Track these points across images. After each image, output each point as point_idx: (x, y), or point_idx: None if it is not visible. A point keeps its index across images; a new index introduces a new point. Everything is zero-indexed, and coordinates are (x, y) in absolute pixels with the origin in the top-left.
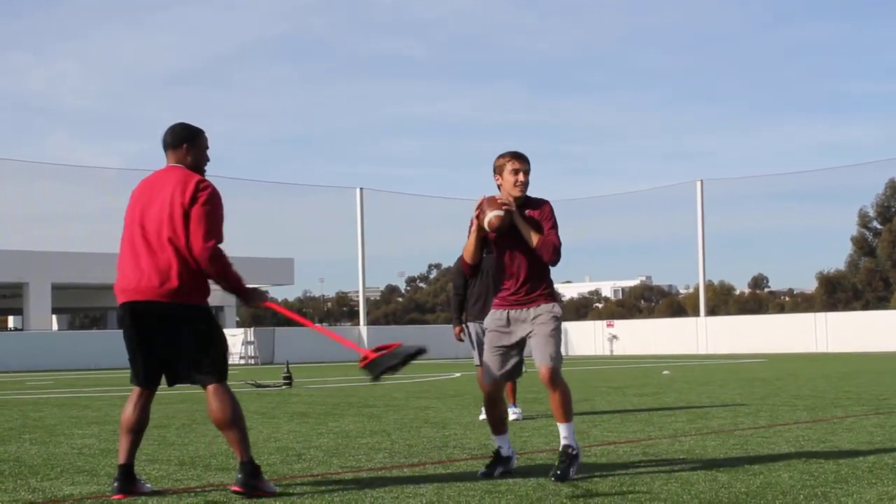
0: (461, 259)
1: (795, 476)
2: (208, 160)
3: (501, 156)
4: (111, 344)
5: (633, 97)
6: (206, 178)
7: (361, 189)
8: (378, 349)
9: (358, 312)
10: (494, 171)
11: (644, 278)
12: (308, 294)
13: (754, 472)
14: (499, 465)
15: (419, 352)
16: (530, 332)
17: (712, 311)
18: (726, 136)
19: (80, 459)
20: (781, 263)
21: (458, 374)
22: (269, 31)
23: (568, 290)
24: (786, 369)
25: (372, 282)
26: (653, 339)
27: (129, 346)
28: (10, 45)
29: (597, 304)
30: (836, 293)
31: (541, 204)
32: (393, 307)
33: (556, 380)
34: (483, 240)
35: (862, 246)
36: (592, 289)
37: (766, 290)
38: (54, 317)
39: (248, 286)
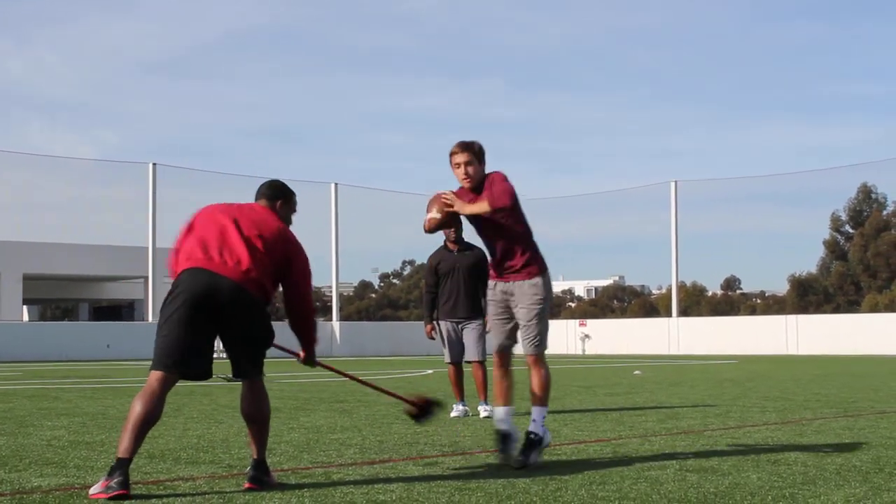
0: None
1: (764, 477)
2: (291, 223)
3: (451, 148)
4: (82, 336)
5: (612, 96)
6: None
7: (336, 184)
8: (420, 402)
9: (331, 308)
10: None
11: (617, 278)
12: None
13: (723, 472)
14: (508, 443)
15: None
16: (517, 314)
17: (684, 311)
18: (703, 136)
19: (48, 451)
20: (753, 265)
21: (430, 371)
22: (249, 21)
23: None
24: (756, 371)
25: (345, 277)
26: (625, 339)
27: (184, 325)
28: None
29: (569, 304)
30: (807, 296)
31: (490, 177)
32: (366, 303)
33: (534, 365)
34: (476, 220)
35: (834, 250)
36: (565, 288)
37: (738, 291)
38: (25, 307)
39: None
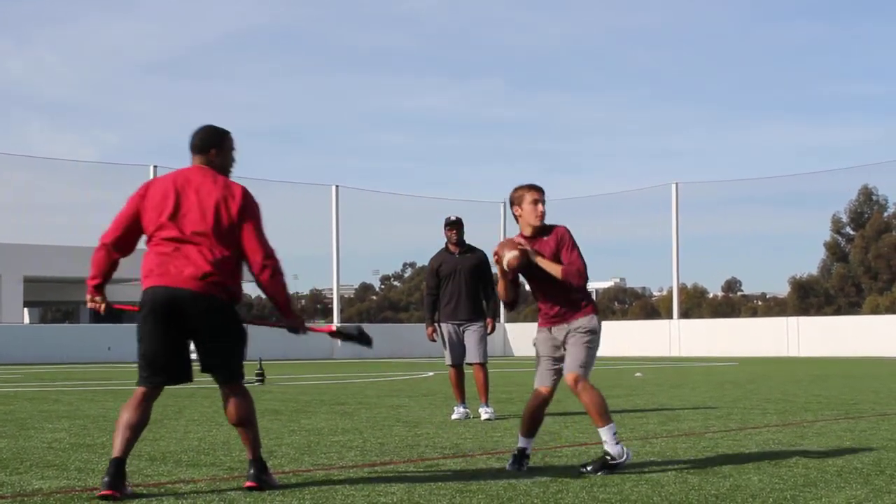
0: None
1: (765, 479)
2: (234, 161)
3: (519, 188)
4: (83, 338)
5: (612, 96)
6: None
7: (337, 186)
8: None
9: (332, 310)
10: (512, 202)
11: (618, 280)
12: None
13: (724, 474)
14: (525, 459)
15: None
16: (567, 341)
17: (685, 313)
18: (703, 137)
19: (49, 454)
20: (755, 267)
21: (430, 374)
22: (249, 21)
23: None
24: (757, 373)
25: (346, 279)
26: (626, 341)
27: (151, 339)
28: None
29: None
30: (808, 298)
31: (557, 230)
32: (367, 305)
33: (580, 386)
34: (513, 280)
35: (835, 251)
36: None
37: (739, 293)
38: (26, 310)
39: (295, 310)
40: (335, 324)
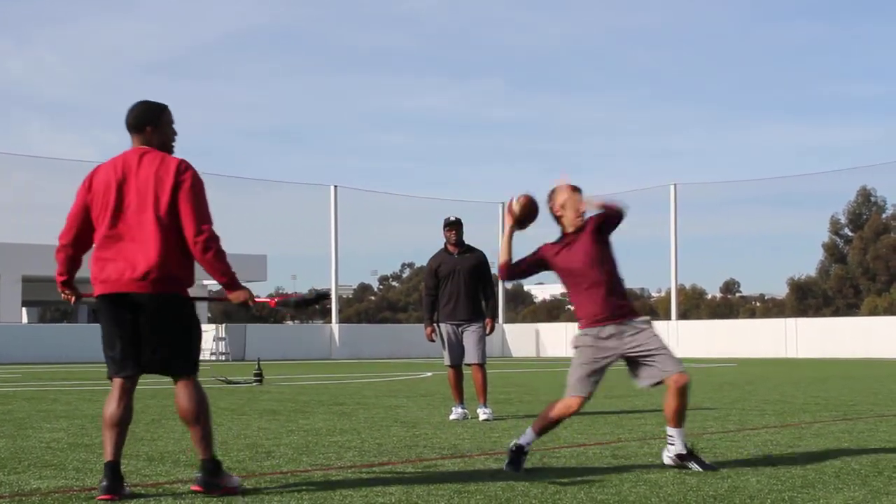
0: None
1: (763, 480)
2: (175, 134)
3: (554, 189)
4: (81, 338)
5: (612, 96)
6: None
7: (336, 187)
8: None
9: (330, 310)
10: (551, 201)
11: None
12: (280, 290)
13: (722, 475)
14: (522, 458)
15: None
16: (635, 347)
17: (684, 314)
18: (703, 137)
19: (48, 453)
20: (753, 268)
21: (429, 374)
22: (249, 21)
23: (540, 292)
24: (755, 374)
25: (345, 279)
26: None
27: (110, 335)
28: None
29: (569, 307)
30: (806, 299)
31: (588, 220)
32: (365, 305)
33: (686, 389)
34: (525, 269)
35: (833, 253)
36: (565, 291)
37: (737, 294)
38: (24, 309)
39: (238, 280)
40: (292, 297)
